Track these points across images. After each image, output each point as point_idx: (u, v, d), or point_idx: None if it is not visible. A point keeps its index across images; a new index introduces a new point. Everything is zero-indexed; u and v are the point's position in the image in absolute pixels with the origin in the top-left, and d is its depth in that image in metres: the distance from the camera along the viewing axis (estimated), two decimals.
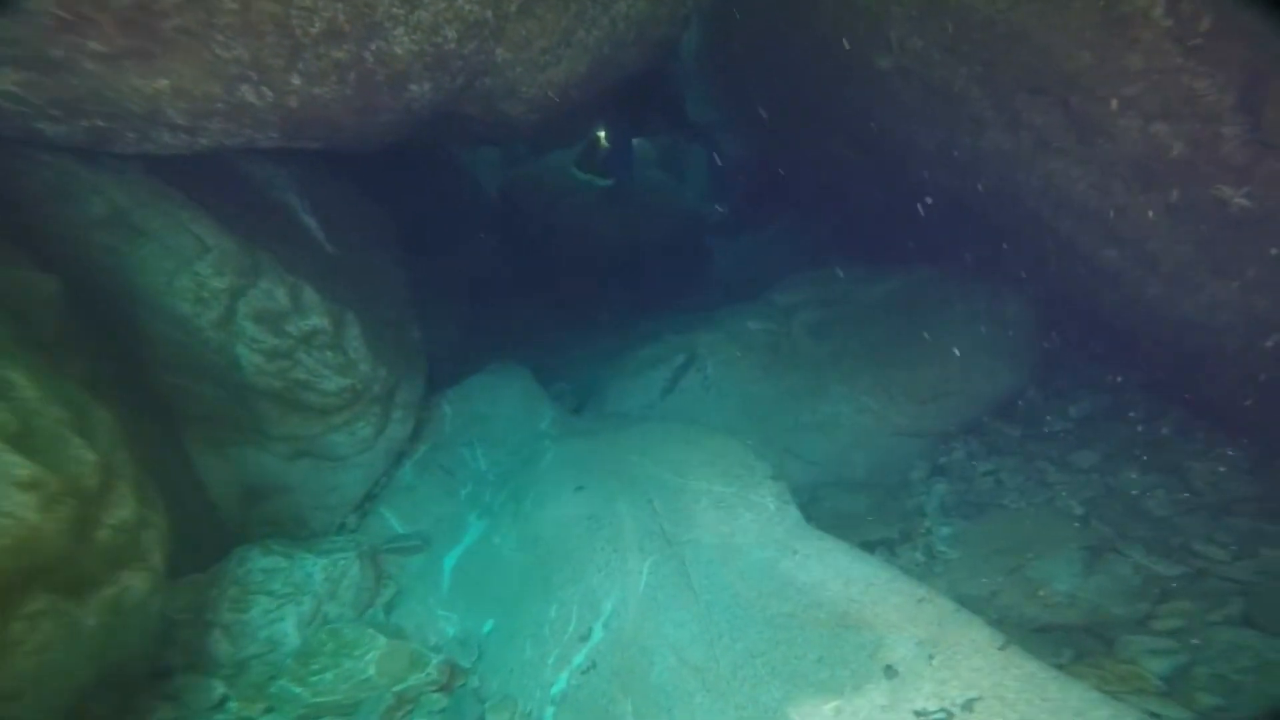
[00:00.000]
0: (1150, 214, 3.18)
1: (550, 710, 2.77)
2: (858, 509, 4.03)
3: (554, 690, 2.82)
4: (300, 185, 3.89)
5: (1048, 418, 4.24)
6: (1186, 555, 2.85)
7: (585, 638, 2.94)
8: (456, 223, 7.64)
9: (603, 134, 6.42)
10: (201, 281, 3.05)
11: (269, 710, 2.65)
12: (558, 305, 7.31)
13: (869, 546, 3.65)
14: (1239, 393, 3.38)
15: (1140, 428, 3.80)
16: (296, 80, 2.59)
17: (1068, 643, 2.51)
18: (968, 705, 1.98)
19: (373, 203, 4.91)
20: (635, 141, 8.34)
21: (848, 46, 4.21)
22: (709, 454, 3.82)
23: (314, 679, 2.74)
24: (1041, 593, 2.80)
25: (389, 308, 4.15)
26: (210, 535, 3.43)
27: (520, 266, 7.59)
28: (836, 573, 2.74)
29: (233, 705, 2.63)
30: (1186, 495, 3.29)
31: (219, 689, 2.67)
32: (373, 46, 2.64)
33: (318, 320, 3.41)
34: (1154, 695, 2.23)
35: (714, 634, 2.76)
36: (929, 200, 4.65)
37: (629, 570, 3.11)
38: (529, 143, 8.75)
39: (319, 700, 2.69)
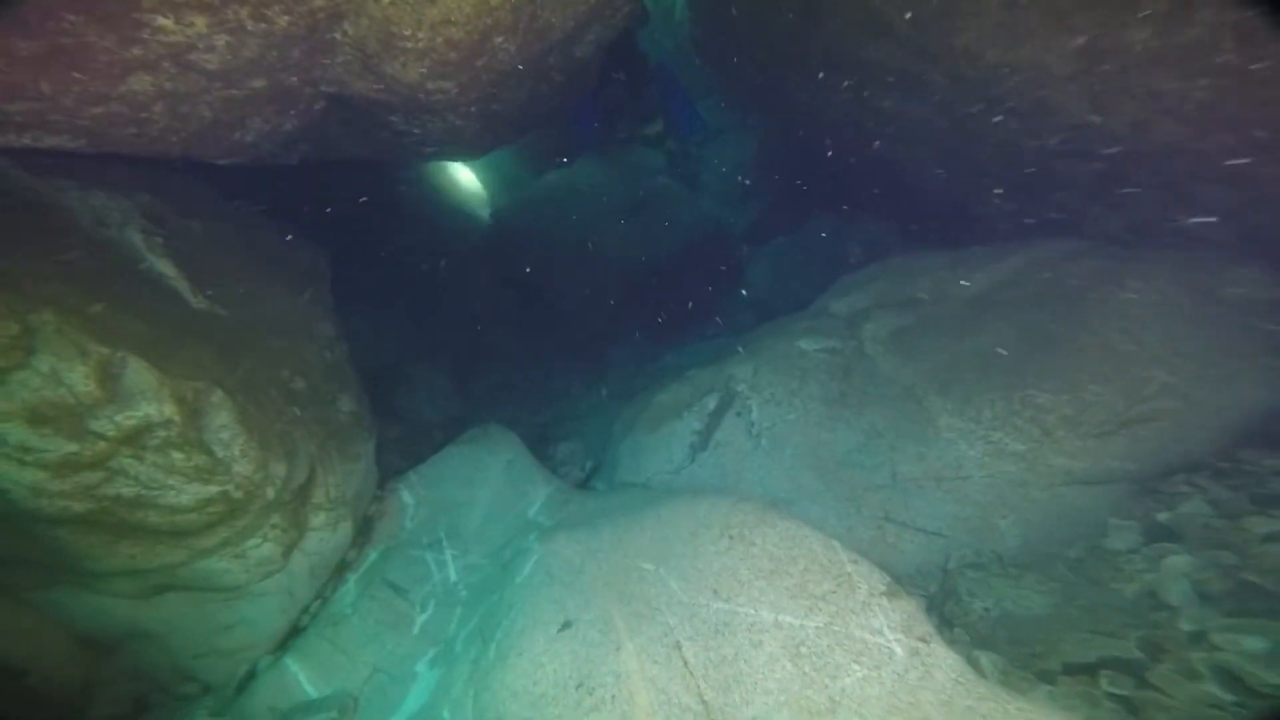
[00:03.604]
0: None
1: None
2: (1038, 607, 2.56)
3: None
4: (153, 219, 2.79)
5: None
6: None
7: None
8: (440, 258, 6.57)
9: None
10: None
11: None
12: (564, 342, 6.09)
13: (1084, 671, 2.20)
14: None
15: None
16: None
17: None
18: None
19: (297, 240, 3.80)
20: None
21: None
22: (768, 554, 2.45)
23: None
24: None
25: (303, 375, 2.97)
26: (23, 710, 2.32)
27: (519, 301, 6.43)
28: None
29: None
30: None
31: None
32: None
33: (154, 408, 2.25)
34: None
35: None
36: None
37: None
38: (500, 145, 7.71)
39: None
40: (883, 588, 2.11)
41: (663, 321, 6.00)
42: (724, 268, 6.40)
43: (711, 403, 3.75)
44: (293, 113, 2.77)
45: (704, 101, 8.74)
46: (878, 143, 4.49)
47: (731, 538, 2.58)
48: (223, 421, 2.43)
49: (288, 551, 2.75)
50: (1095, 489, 3.14)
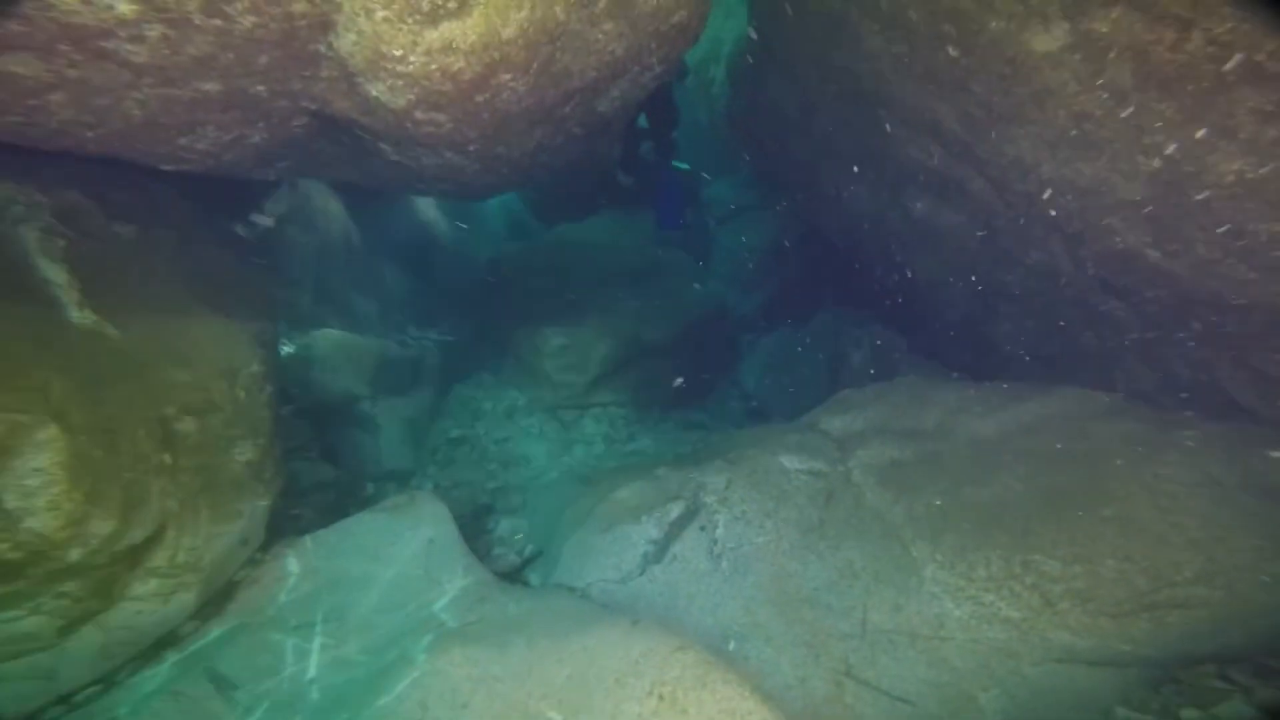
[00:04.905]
0: None
1: None
2: None
3: None
4: (66, 219, 2.46)
5: None
6: None
7: None
8: (427, 296, 6.27)
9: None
10: None
11: None
12: (537, 406, 5.68)
13: None
14: None
15: None
16: None
17: None
18: None
19: (253, 260, 3.48)
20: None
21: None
22: None
23: None
24: None
25: (196, 416, 2.55)
26: None
27: (500, 356, 6.07)
28: None
29: None
30: None
31: None
32: None
33: None
34: None
35: None
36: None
37: None
38: (501, 190, 7.49)
39: None
40: None
41: (645, 401, 5.61)
42: (720, 354, 6.06)
43: (675, 511, 3.31)
44: (262, 125, 2.47)
45: (729, 178, 8.67)
46: (924, 253, 4.24)
47: (662, 699, 2.11)
48: (38, 465, 1.96)
49: (71, 626, 2.15)
50: (1099, 671, 2.72)
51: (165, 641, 2.42)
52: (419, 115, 2.55)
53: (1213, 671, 2.58)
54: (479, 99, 2.72)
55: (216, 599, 2.57)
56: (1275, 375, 3.03)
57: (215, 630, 2.48)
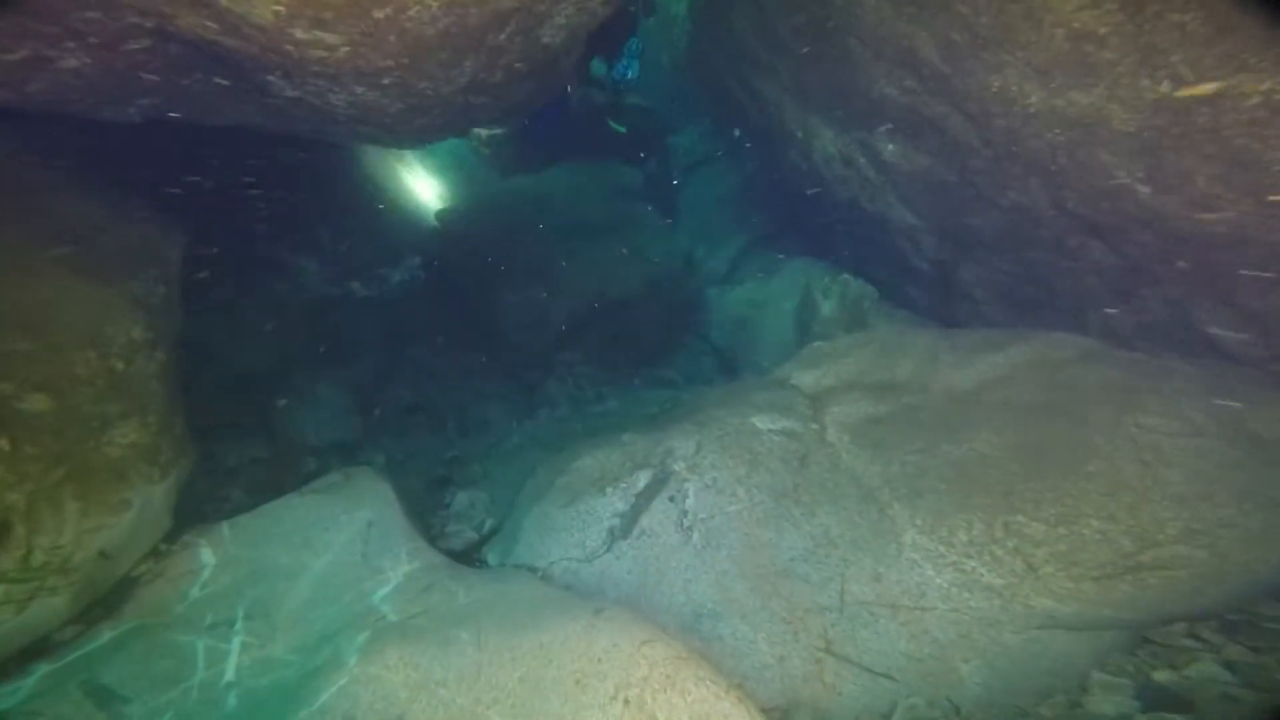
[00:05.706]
0: None
1: None
2: None
3: None
4: None
5: None
6: None
7: None
8: (370, 252, 5.79)
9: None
10: None
11: None
12: (497, 367, 5.36)
13: None
14: None
15: None
16: None
17: None
18: None
19: (138, 213, 3.02)
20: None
21: None
22: None
23: None
24: None
25: (50, 392, 2.15)
26: None
27: (455, 315, 5.68)
28: None
29: None
30: None
31: None
32: None
33: None
34: None
35: None
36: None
37: None
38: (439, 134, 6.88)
39: None
40: None
41: (612, 359, 5.33)
42: (688, 309, 5.78)
43: (642, 480, 3.07)
44: (73, 45, 2.01)
45: (694, 127, 8.20)
46: (893, 198, 3.95)
47: (628, 703, 1.90)
48: None
49: None
50: (1078, 636, 2.63)
51: (33, 652, 2.09)
52: (299, 35, 2.12)
53: (1183, 631, 2.52)
54: (378, 15, 2.28)
55: (110, 600, 2.24)
56: (1262, 312, 2.88)
57: (105, 635, 2.17)
